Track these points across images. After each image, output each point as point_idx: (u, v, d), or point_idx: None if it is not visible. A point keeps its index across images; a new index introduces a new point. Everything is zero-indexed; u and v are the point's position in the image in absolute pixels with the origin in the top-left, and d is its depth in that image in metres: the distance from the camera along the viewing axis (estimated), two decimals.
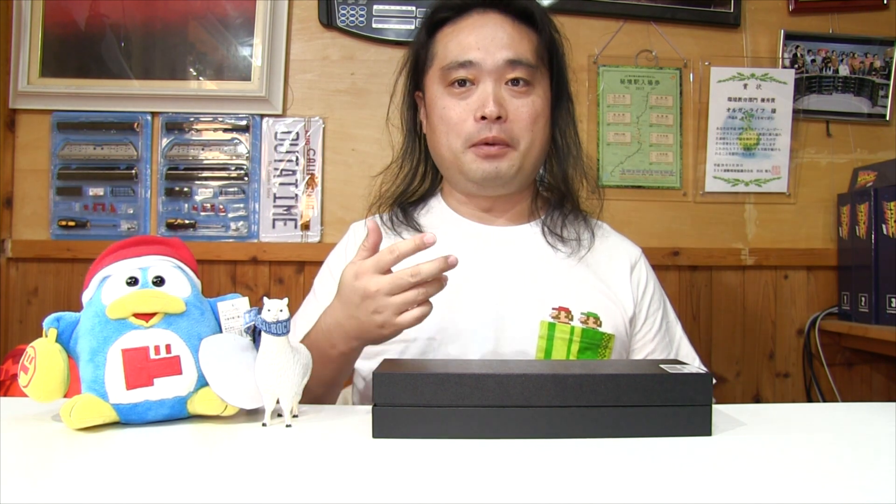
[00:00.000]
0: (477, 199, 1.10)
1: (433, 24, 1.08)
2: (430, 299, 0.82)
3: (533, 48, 1.04)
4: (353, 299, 0.83)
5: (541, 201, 1.13)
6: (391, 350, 0.98)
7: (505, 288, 1.02)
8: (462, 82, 1.03)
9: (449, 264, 0.79)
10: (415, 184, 1.15)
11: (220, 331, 0.75)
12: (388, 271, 0.81)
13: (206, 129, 1.78)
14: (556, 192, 1.12)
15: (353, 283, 0.82)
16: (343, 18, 1.77)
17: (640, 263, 1.11)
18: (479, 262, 1.05)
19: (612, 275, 1.07)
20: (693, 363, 1.09)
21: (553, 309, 1.01)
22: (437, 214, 1.12)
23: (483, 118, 1.00)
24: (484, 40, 1.02)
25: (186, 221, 1.77)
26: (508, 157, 1.02)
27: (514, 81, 1.02)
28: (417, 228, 1.09)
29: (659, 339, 1.08)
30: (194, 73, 1.77)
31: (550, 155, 1.11)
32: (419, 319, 0.81)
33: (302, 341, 0.90)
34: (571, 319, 1.00)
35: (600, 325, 1.01)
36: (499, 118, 1.00)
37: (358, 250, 0.85)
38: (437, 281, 0.80)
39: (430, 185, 1.16)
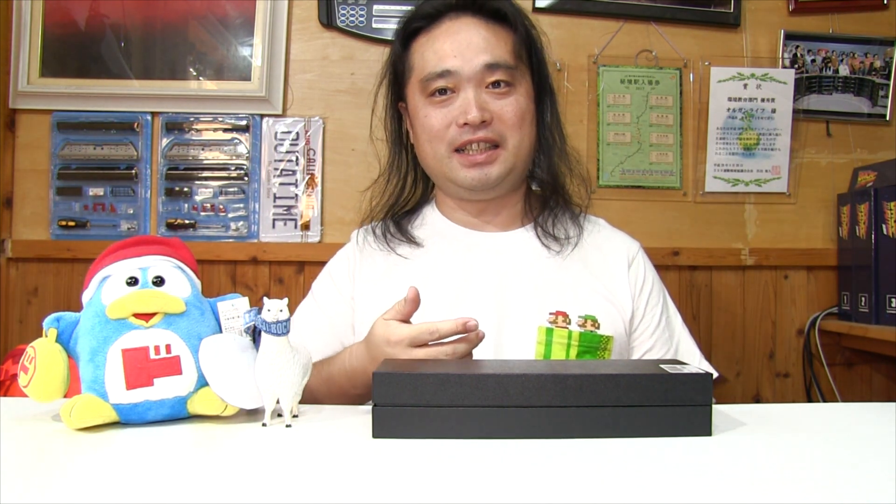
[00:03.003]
0: (469, 204, 1.09)
1: (407, 35, 1.07)
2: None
3: (510, 49, 1.03)
4: (379, 351, 0.84)
5: (533, 201, 1.12)
6: None
7: (501, 295, 1.02)
8: (442, 91, 1.02)
9: (467, 328, 0.79)
10: (406, 193, 1.14)
11: (220, 331, 0.75)
12: (423, 344, 0.81)
13: (206, 129, 1.78)
14: (547, 186, 1.11)
15: (382, 343, 0.83)
16: (343, 18, 1.77)
17: (637, 258, 1.10)
18: (475, 271, 1.04)
19: (608, 272, 1.07)
20: (694, 357, 1.09)
21: (550, 314, 1.00)
22: (430, 225, 1.12)
23: (465, 124, 0.99)
24: (460, 47, 1.01)
25: (186, 221, 1.77)
26: (499, 160, 1.02)
27: (495, 84, 1.02)
28: (412, 241, 1.09)
29: (659, 334, 1.07)
30: (194, 73, 1.77)
31: (537, 150, 1.10)
32: None
33: (320, 376, 0.93)
34: (569, 323, 1.00)
35: (598, 328, 1.01)
36: (483, 122, 1.00)
37: (393, 307, 0.85)
38: (465, 341, 0.81)
39: (423, 192, 1.16)
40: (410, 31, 1.07)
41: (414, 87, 1.06)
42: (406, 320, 0.84)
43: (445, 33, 1.03)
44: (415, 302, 0.84)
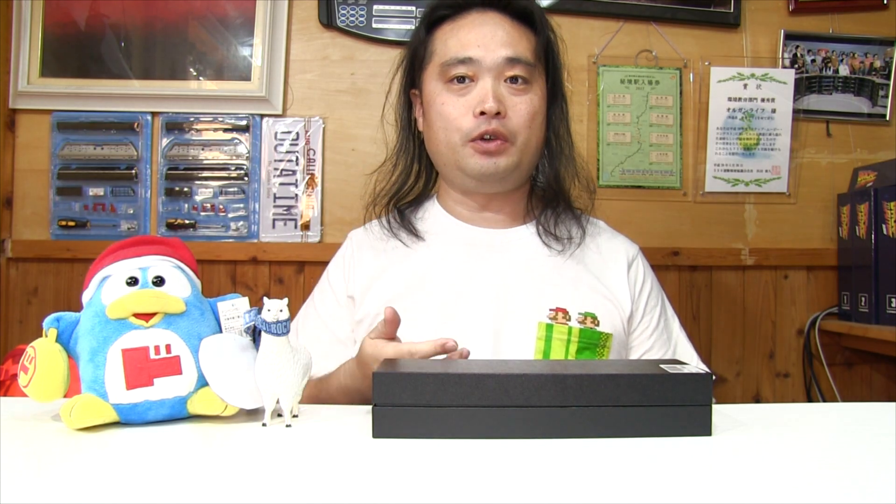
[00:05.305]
0: (473, 197, 1.10)
1: (432, 22, 1.08)
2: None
3: (531, 47, 1.05)
4: (370, 369, 0.84)
5: (535, 200, 1.13)
6: None
7: (502, 291, 1.02)
8: (461, 79, 1.03)
9: (446, 349, 0.80)
10: (409, 182, 1.14)
11: (220, 331, 0.74)
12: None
13: (206, 129, 1.78)
14: (550, 190, 1.12)
15: (371, 361, 0.84)
16: (343, 18, 1.77)
17: (637, 261, 1.11)
18: (475, 266, 1.05)
19: (608, 273, 1.07)
20: (692, 360, 1.09)
21: (550, 310, 1.01)
22: (432, 218, 1.12)
23: (482, 114, 1.00)
24: (484, 38, 1.02)
25: (186, 221, 1.77)
26: (507, 152, 1.02)
27: (513, 79, 1.03)
28: (414, 233, 1.09)
29: (657, 336, 1.08)
30: (194, 73, 1.77)
31: (543, 154, 1.11)
32: None
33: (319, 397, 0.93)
34: (569, 320, 1.00)
35: (598, 325, 1.01)
36: (498, 114, 1.00)
37: (376, 327, 0.86)
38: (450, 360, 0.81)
39: (425, 185, 1.16)
40: (435, 18, 1.08)
41: (432, 73, 1.06)
42: (391, 338, 0.85)
43: (471, 24, 1.04)
44: (393, 322, 0.85)
